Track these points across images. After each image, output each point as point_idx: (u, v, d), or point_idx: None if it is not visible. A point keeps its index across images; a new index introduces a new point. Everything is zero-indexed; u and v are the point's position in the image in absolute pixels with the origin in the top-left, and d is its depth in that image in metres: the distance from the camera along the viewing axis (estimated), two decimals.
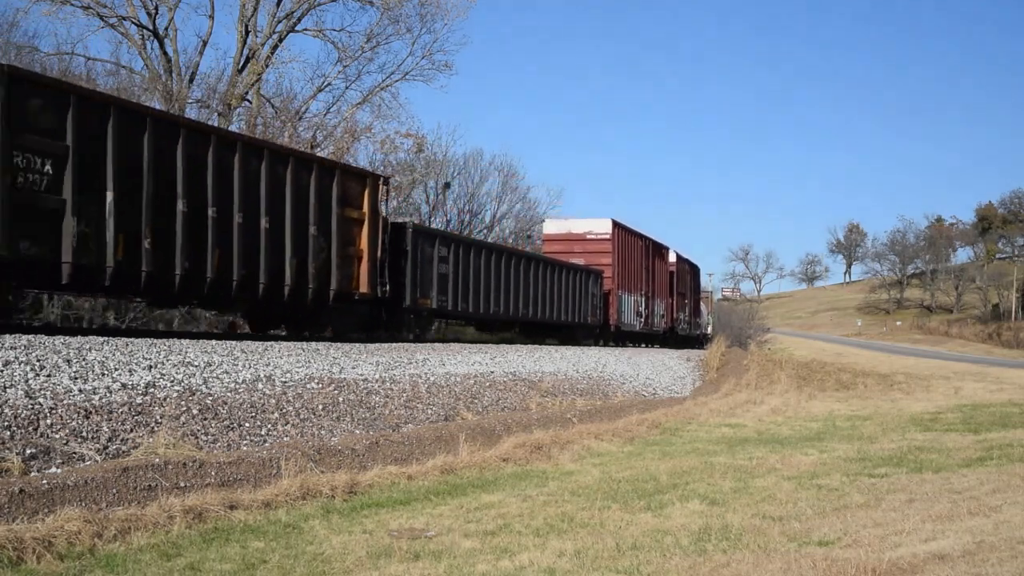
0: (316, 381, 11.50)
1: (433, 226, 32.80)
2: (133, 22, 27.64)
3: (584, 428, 13.28)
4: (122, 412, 8.45)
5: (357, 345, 14.92)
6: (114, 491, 7.07)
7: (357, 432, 10.56)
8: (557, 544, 6.56)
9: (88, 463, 7.52)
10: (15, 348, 9.00)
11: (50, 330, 11.29)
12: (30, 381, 8.26)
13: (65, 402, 8.14)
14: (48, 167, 10.48)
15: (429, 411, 12.42)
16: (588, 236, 28.39)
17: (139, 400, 8.81)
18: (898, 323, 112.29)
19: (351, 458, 9.37)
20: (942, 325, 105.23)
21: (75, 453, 7.58)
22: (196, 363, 10.49)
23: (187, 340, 11.87)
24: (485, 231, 40.36)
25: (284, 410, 10.22)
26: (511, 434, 11.85)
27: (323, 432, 10.17)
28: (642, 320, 31.32)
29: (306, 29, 30.63)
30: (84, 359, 9.32)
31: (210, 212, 12.68)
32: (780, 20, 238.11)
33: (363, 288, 16.01)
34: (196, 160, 12.49)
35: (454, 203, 40.00)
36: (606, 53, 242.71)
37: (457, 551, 6.42)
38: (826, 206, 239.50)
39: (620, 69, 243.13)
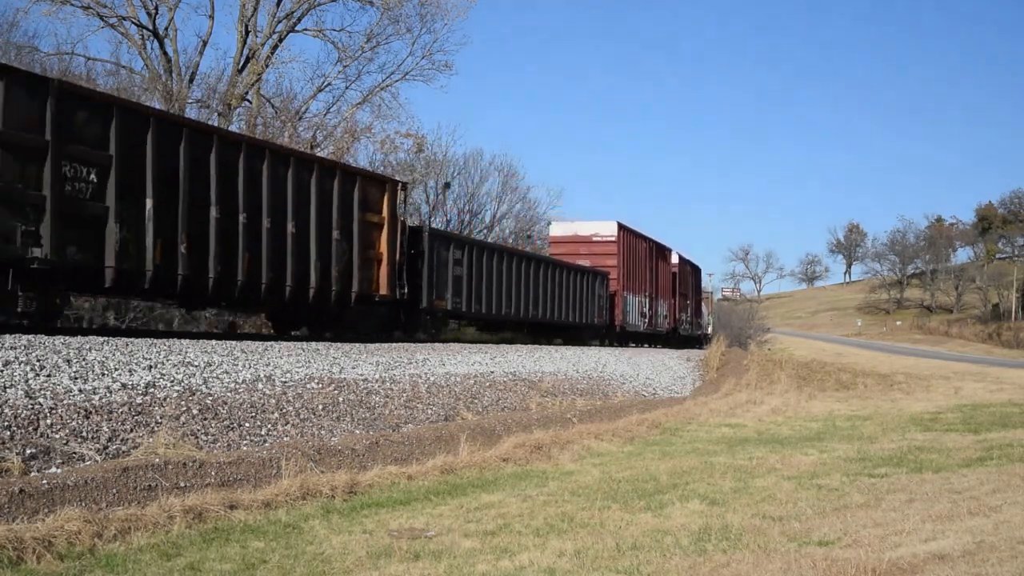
0: (316, 381, 11.50)
1: (434, 226, 32.79)
2: (133, 22, 27.67)
3: (584, 428, 13.28)
4: (122, 412, 8.45)
5: (357, 345, 14.94)
6: (114, 491, 7.07)
7: (357, 432, 10.56)
8: (557, 544, 6.56)
9: (88, 463, 7.52)
10: (15, 348, 9.00)
11: (50, 330, 11.30)
12: (30, 381, 8.26)
13: (65, 402, 8.14)
14: (93, 176, 10.90)
15: (429, 411, 12.42)
16: (594, 238, 28.53)
17: (139, 400, 8.82)
18: (898, 323, 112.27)
19: (351, 458, 9.37)
20: (942, 325, 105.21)
21: (75, 453, 7.59)
22: (196, 363, 10.49)
23: (187, 340, 11.89)
24: (485, 231, 40.34)
25: (284, 410, 10.22)
26: (511, 434, 11.85)
27: (323, 432, 10.17)
28: (646, 321, 31.39)
29: (306, 29, 30.70)
30: (84, 359, 9.32)
31: (240, 218, 13.12)
32: (780, 20, 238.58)
33: (383, 290, 16.37)
34: (227, 168, 12.92)
35: (454, 203, 40.01)
36: (606, 53, 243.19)
37: (457, 551, 6.42)
38: (826, 206, 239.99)
39: (620, 69, 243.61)
